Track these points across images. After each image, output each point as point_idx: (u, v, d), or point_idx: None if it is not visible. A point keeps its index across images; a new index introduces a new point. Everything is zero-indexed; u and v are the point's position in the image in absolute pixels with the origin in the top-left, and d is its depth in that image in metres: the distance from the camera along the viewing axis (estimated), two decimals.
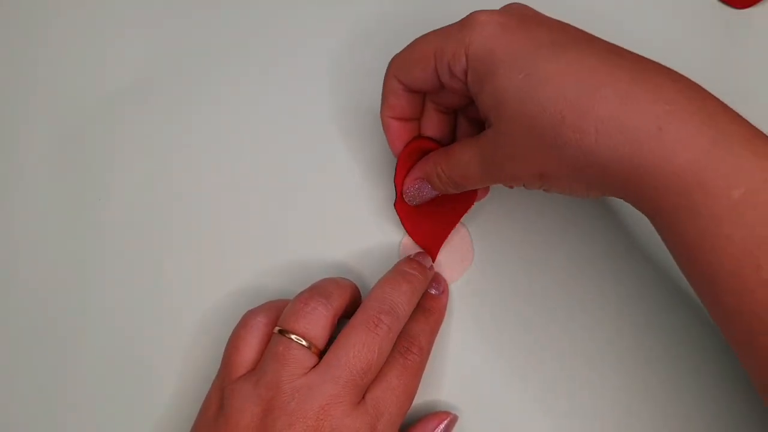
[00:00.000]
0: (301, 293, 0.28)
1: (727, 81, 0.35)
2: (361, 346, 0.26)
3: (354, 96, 0.35)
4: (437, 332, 0.30)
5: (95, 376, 0.32)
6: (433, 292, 0.31)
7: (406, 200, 0.31)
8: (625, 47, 0.35)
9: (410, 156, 0.31)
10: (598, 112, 0.22)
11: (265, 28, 0.35)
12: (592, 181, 0.24)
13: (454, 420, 0.30)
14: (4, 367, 0.32)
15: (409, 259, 0.31)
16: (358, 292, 0.30)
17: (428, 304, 0.30)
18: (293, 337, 0.26)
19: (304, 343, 0.26)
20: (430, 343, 0.29)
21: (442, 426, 0.29)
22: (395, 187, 0.32)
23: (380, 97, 0.30)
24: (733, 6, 0.35)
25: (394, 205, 0.32)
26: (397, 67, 0.28)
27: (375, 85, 0.34)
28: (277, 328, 0.27)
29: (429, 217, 0.32)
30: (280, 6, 0.35)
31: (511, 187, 0.31)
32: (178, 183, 0.34)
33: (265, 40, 0.35)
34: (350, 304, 0.29)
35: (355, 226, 0.33)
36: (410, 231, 0.32)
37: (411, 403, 0.28)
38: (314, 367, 0.26)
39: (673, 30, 0.35)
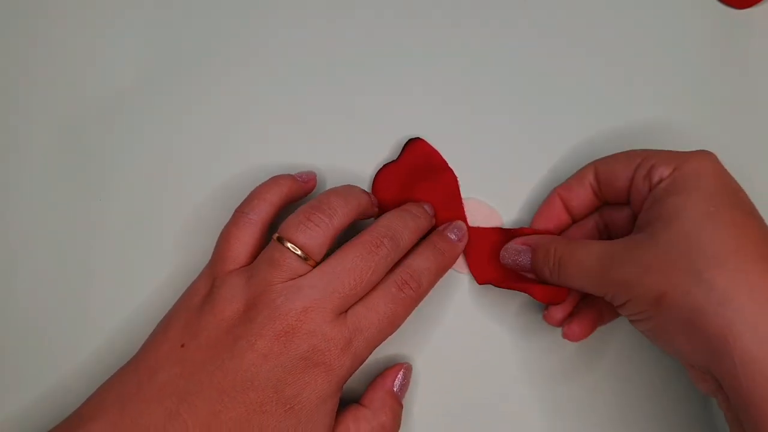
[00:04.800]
0: (307, 204, 0.28)
1: (727, 81, 0.35)
2: (358, 261, 0.27)
3: (354, 96, 0.34)
4: (441, 275, 0.30)
5: (95, 375, 0.31)
6: (452, 237, 0.31)
7: (501, 256, 0.31)
8: (625, 47, 0.35)
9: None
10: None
11: (265, 28, 0.35)
12: (702, 346, 0.24)
13: (408, 368, 0.31)
14: (4, 368, 0.32)
15: (417, 204, 0.31)
16: (368, 201, 0.30)
17: (441, 246, 0.30)
18: (290, 246, 0.27)
19: (300, 253, 0.27)
20: (431, 283, 0.30)
21: (399, 376, 0.30)
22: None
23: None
24: (733, 6, 0.35)
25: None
26: (602, 160, 0.30)
27: (375, 85, 0.35)
28: (276, 235, 0.28)
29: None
30: (281, 6, 0.35)
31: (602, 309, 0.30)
32: (179, 183, 0.34)
33: (266, 39, 0.35)
34: (357, 216, 0.29)
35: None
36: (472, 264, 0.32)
37: (393, 331, 0.28)
38: (307, 274, 0.27)
39: (673, 30, 0.35)
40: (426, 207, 0.32)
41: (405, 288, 0.28)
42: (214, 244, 0.30)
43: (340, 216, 0.28)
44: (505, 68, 0.35)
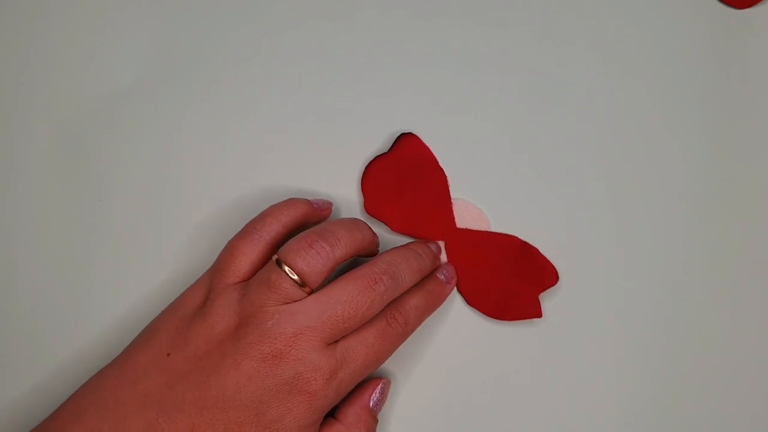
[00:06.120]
0: (310, 231, 0.28)
1: (727, 81, 0.35)
2: (355, 294, 0.27)
3: (357, 98, 0.35)
4: (429, 314, 0.31)
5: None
6: (441, 277, 0.31)
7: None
8: (624, 47, 0.35)
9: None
10: None
11: (266, 28, 0.35)
12: None
13: (387, 383, 0.30)
14: (4, 368, 0.32)
15: (424, 244, 0.31)
16: (371, 238, 0.30)
17: (431, 287, 0.30)
18: (288, 270, 0.27)
19: (297, 279, 0.27)
20: (418, 320, 0.30)
21: (377, 390, 0.30)
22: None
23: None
24: (733, 6, 0.35)
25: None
26: None
27: (379, 86, 0.35)
28: (275, 257, 0.27)
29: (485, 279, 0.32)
30: (281, 7, 0.35)
31: None
32: (179, 183, 0.34)
33: (266, 39, 0.35)
34: (359, 251, 0.29)
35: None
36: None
37: (377, 367, 0.28)
38: (302, 300, 0.27)
39: (673, 30, 0.35)
40: (433, 247, 0.32)
41: (393, 323, 0.28)
42: (214, 246, 0.30)
43: (342, 247, 0.28)
44: (504, 69, 0.35)
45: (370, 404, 0.29)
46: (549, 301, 0.32)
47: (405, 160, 0.33)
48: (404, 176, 0.33)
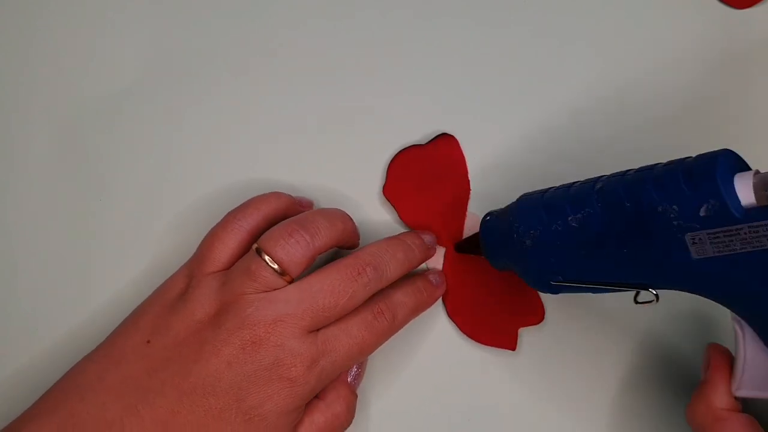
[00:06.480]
0: (291, 220, 0.28)
1: (727, 81, 0.35)
2: (336, 284, 0.27)
3: (353, 97, 0.35)
4: (418, 314, 0.31)
5: None
6: (432, 279, 0.31)
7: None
8: (625, 47, 0.35)
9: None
10: None
11: (266, 28, 0.35)
12: None
13: (363, 361, 0.31)
14: (4, 368, 0.32)
15: (416, 234, 0.31)
16: (352, 229, 0.30)
17: (422, 285, 0.31)
18: (268, 259, 0.27)
19: (277, 268, 0.27)
20: (406, 318, 0.30)
21: (353, 369, 0.30)
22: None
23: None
24: (733, 6, 0.35)
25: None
26: None
27: (374, 86, 0.35)
28: (255, 246, 0.27)
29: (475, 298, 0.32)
30: (281, 7, 0.35)
31: None
32: (179, 183, 0.34)
33: (267, 39, 0.35)
34: (339, 241, 0.29)
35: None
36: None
37: (361, 359, 0.28)
38: (282, 288, 0.27)
39: (673, 30, 0.35)
40: (425, 238, 0.31)
41: (380, 317, 0.28)
42: None
43: (322, 237, 0.28)
44: (504, 69, 0.35)
45: (348, 379, 0.29)
46: (553, 300, 0.32)
47: (437, 159, 0.33)
48: (431, 174, 0.33)
